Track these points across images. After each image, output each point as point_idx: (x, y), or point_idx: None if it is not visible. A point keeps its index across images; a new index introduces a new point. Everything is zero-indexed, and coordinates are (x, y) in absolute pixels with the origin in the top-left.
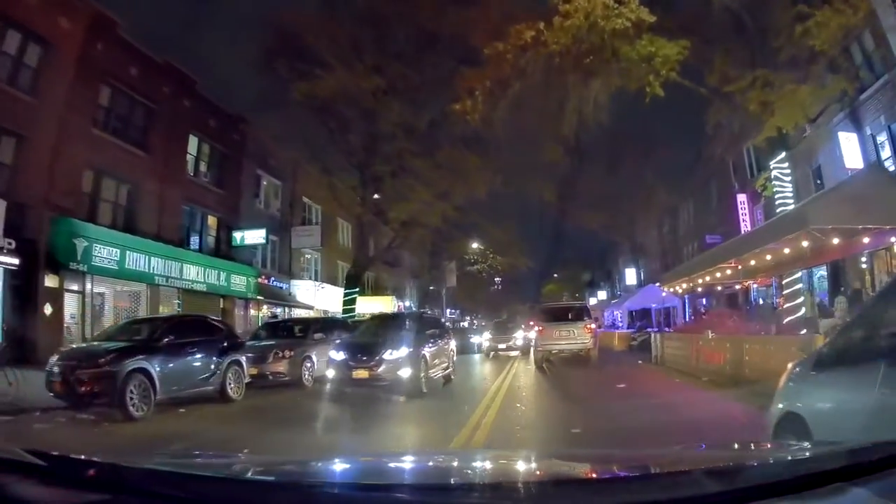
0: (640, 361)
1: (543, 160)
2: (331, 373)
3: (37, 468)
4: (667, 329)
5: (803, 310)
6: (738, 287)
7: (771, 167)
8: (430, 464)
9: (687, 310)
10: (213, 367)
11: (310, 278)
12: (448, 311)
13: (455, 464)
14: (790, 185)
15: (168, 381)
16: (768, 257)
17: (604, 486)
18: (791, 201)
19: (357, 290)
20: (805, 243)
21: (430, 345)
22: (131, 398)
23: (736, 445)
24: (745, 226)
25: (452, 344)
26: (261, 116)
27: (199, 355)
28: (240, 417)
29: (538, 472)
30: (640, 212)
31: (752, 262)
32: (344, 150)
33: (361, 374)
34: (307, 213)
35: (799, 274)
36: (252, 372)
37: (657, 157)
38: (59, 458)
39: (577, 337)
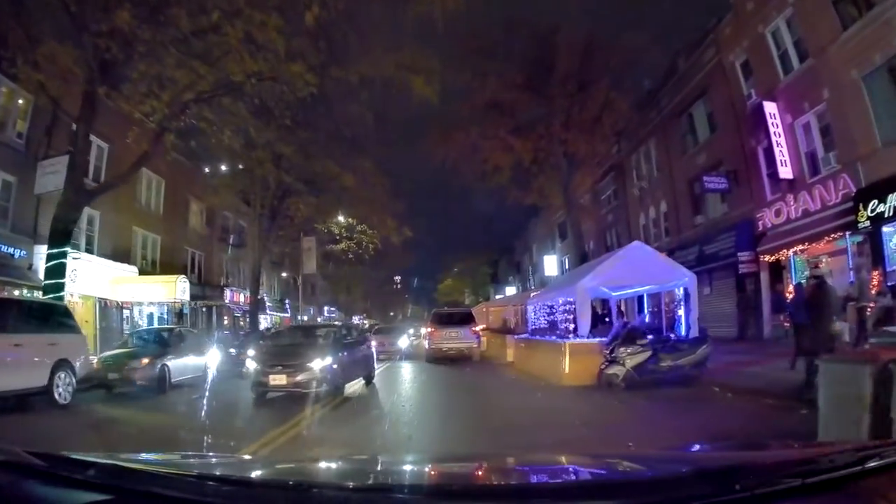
0: None
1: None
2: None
3: (37, 468)
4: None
5: None
6: None
7: None
8: (430, 465)
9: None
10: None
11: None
12: (323, 309)
13: (456, 466)
14: None
15: None
16: None
17: (605, 487)
18: None
19: (65, 249)
20: None
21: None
22: None
23: (735, 446)
24: (780, 152)
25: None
26: None
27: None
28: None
29: (543, 476)
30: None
31: None
32: None
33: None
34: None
35: None
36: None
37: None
38: (59, 458)
39: (463, 339)
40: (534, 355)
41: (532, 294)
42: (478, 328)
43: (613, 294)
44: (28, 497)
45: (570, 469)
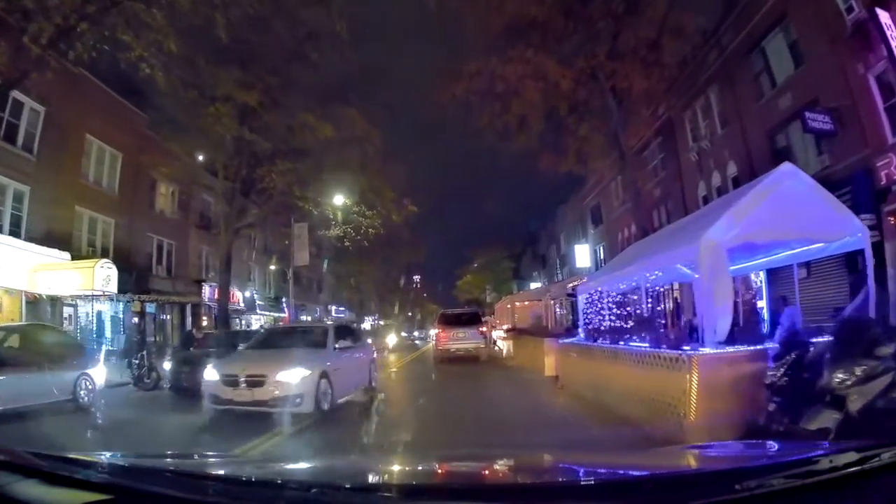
0: None
1: None
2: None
3: (37, 468)
4: None
5: None
6: None
7: None
8: (430, 465)
9: None
10: None
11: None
12: (331, 309)
13: (457, 465)
14: None
15: None
16: None
17: (606, 487)
18: None
19: None
20: None
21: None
22: None
23: (735, 445)
24: None
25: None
26: None
27: None
28: None
29: (545, 476)
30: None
31: None
32: None
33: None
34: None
35: None
36: None
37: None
38: (59, 458)
39: (470, 339)
40: (602, 372)
41: (580, 280)
42: (483, 328)
43: (748, 263)
44: (28, 497)
45: (571, 469)
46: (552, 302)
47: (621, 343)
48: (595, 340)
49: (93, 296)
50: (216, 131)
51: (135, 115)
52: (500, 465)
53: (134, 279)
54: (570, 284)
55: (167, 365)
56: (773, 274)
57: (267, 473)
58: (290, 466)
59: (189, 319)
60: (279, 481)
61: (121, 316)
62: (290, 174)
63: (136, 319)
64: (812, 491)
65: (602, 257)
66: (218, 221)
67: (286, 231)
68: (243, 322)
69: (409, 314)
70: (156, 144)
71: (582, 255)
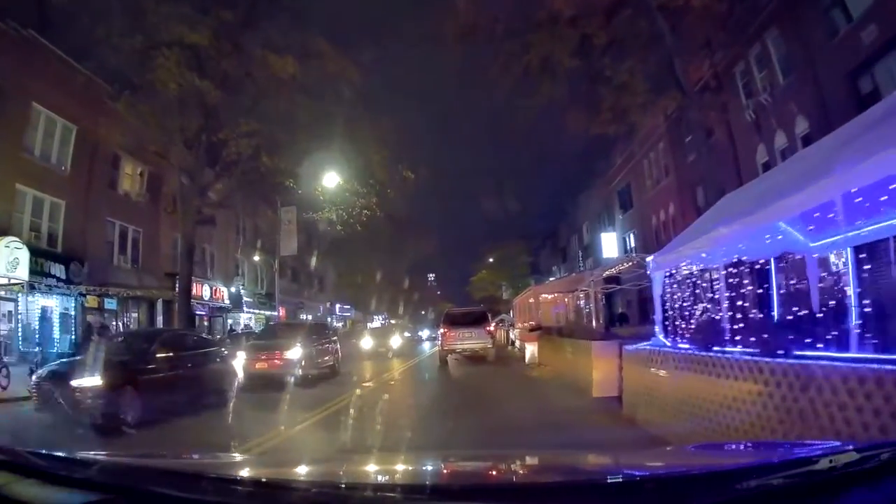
0: None
1: None
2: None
3: (37, 468)
4: None
5: None
6: None
7: None
8: (430, 464)
9: None
10: None
11: None
12: (336, 306)
13: (457, 465)
14: None
15: None
16: None
17: (606, 487)
18: None
19: None
20: None
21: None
22: None
23: (735, 445)
24: None
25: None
26: None
27: None
28: None
29: (545, 476)
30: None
31: None
32: None
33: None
34: None
35: None
36: None
37: None
38: (59, 458)
39: (477, 338)
40: (743, 409)
41: (675, 248)
42: (491, 328)
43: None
44: (28, 497)
45: (571, 469)
46: (583, 294)
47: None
48: (708, 348)
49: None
50: (165, 82)
51: (94, 84)
52: (501, 465)
53: (87, 270)
54: (619, 266)
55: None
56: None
57: (267, 473)
58: (290, 466)
59: (160, 318)
60: (279, 481)
61: (72, 313)
62: (255, 136)
63: (92, 317)
64: (812, 491)
65: (632, 245)
66: (172, 195)
67: (273, 216)
68: (229, 321)
69: (423, 313)
70: (116, 116)
71: (609, 243)
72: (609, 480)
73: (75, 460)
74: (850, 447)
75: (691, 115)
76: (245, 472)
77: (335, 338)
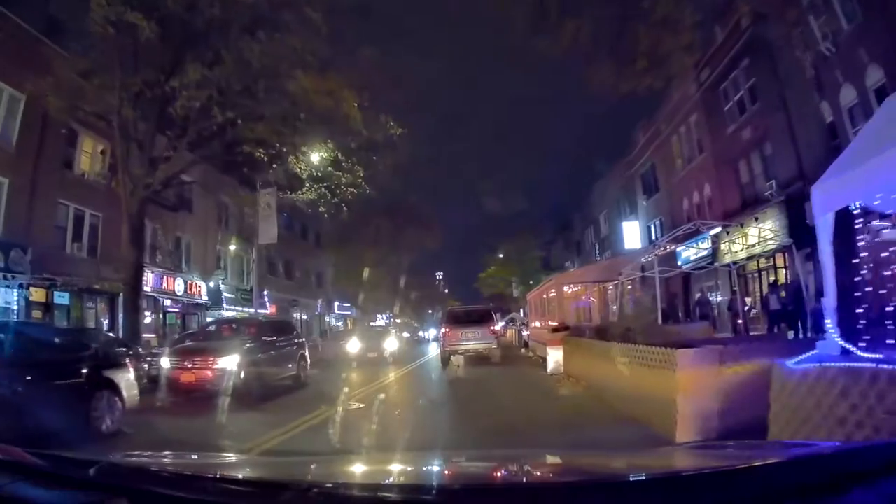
0: None
1: None
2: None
3: (37, 468)
4: None
5: None
6: None
7: None
8: (431, 464)
9: None
10: None
11: None
12: (334, 304)
13: (458, 465)
14: None
15: None
16: None
17: (607, 487)
18: None
19: None
20: None
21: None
22: None
23: (735, 445)
24: None
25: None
26: None
27: None
28: None
29: (545, 476)
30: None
31: None
32: None
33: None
34: None
35: None
36: None
37: None
38: (59, 458)
39: (481, 339)
40: None
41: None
42: (495, 327)
43: None
44: (28, 497)
45: (571, 469)
46: (629, 283)
47: None
48: None
49: None
50: (96, 21)
51: (46, 49)
52: (501, 465)
53: (31, 258)
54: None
55: None
56: None
57: (267, 473)
58: (291, 466)
59: (120, 315)
60: (279, 481)
61: (14, 307)
62: (206, 86)
63: (37, 312)
64: (813, 491)
65: (658, 235)
66: (120, 170)
67: (251, 197)
68: (208, 319)
69: (430, 312)
70: (64, 79)
71: (631, 233)
72: (612, 481)
73: (75, 460)
74: (851, 447)
75: (770, 34)
76: (245, 473)
77: (300, 340)
